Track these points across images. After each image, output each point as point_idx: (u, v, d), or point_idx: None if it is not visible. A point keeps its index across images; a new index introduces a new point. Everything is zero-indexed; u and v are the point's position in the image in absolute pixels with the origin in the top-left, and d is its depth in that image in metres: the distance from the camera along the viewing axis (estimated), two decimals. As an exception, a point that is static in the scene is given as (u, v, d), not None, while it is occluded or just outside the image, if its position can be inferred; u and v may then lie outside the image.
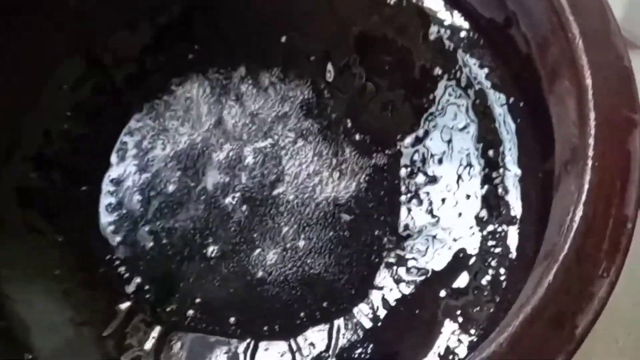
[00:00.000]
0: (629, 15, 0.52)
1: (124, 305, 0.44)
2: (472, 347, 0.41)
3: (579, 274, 0.33)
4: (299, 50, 0.49)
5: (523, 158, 0.44)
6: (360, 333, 0.43)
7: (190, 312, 0.44)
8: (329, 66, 0.48)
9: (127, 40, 0.48)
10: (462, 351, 0.41)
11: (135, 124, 0.47)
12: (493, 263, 0.43)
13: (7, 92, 0.46)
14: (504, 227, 0.43)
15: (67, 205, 0.46)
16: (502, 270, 0.43)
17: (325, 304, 0.44)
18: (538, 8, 0.40)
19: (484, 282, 0.43)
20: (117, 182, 0.46)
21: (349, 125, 0.47)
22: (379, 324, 0.43)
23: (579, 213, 0.34)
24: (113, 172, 0.47)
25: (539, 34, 0.41)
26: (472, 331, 0.41)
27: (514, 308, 0.34)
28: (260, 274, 0.44)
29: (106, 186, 0.46)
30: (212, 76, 0.48)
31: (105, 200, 0.46)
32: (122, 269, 0.45)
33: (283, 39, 0.49)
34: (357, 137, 0.47)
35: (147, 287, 0.44)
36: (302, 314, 0.44)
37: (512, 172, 0.44)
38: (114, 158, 0.47)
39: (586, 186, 0.34)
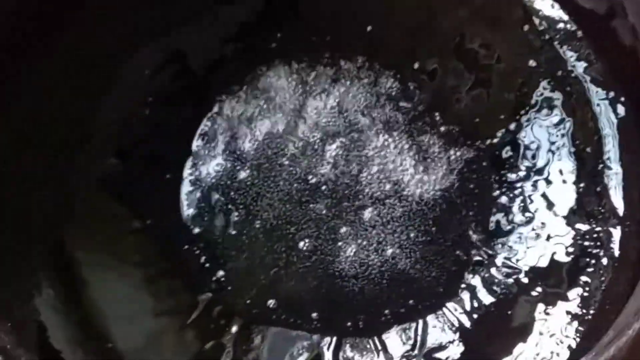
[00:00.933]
0: None
1: (205, 296, 0.42)
2: (572, 350, 0.39)
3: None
4: (384, 40, 0.47)
5: (625, 155, 0.42)
6: (449, 333, 0.41)
7: (271, 305, 0.43)
8: (415, 57, 0.47)
9: (207, 28, 0.47)
10: (563, 354, 0.39)
11: (217, 111, 0.46)
12: (592, 263, 0.41)
13: (87, 77, 0.45)
14: (604, 227, 0.42)
15: (148, 192, 0.45)
16: (601, 272, 0.41)
17: (411, 302, 0.42)
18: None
19: (581, 283, 0.41)
20: (199, 170, 0.45)
21: (437, 117, 0.46)
22: (469, 324, 0.41)
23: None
24: (195, 160, 0.45)
25: (650, 24, 0.39)
26: (571, 334, 0.39)
27: (626, 312, 0.32)
28: (344, 269, 0.43)
29: (188, 174, 0.45)
30: (296, 65, 0.47)
31: (187, 188, 0.45)
32: (202, 259, 0.43)
33: (369, 28, 0.47)
34: (446, 129, 0.45)
35: (228, 278, 0.43)
36: (386, 311, 0.42)
37: (612, 170, 0.42)
38: (195, 145, 0.46)
39: None
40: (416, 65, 0.47)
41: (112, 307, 0.41)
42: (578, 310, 0.40)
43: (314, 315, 0.42)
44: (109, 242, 0.43)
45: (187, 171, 0.45)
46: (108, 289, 0.42)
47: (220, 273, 0.43)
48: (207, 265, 0.43)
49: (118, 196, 0.44)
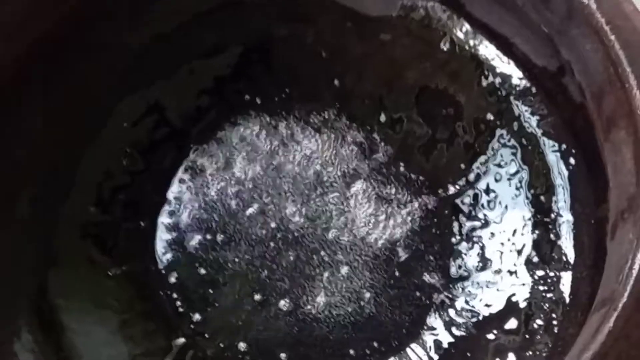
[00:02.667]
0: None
1: (179, 340, 0.44)
2: (526, 391, 0.41)
3: (639, 321, 0.33)
4: (352, 93, 0.50)
5: (575, 204, 0.45)
6: (412, 374, 0.43)
7: (242, 348, 0.45)
8: (382, 109, 0.49)
9: (184, 82, 0.50)
10: (517, 396, 0.41)
11: (192, 161, 0.48)
12: (545, 307, 0.43)
13: (67, 127, 0.47)
14: (557, 272, 0.44)
15: (125, 239, 0.47)
16: (554, 315, 0.43)
17: (375, 343, 0.44)
18: (594, 58, 0.40)
19: (536, 326, 0.43)
20: (174, 217, 0.47)
21: (401, 167, 0.48)
22: (430, 365, 0.43)
23: (638, 261, 0.34)
24: (170, 208, 0.48)
25: (595, 83, 0.41)
26: (525, 376, 0.42)
27: (572, 354, 0.35)
28: (312, 312, 0.45)
29: (163, 221, 0.47)
30: (267, 117, 0.49)
31: (162, 235, 0.47)
32: (177, 303, 0.45)
33: (336, 82, 0.50)
34: (409, 178, 0.48)
35: (201, 322, 0.45)
36: (352, 352, 0.45)
37: (564, 218, 0.45)
38: (171, 194, 0.48)
39: (645, 234, 0.35)
40: (382, 118, 0.49)
41: (91, 351, 0.43)
42: (531, 352, 0.42)
43: (283, 356, 0.44)
44: (87, 288, 0.45)
45: (162, 219, 0.47)
46: (86, 334, 0.44)
47: (195, 317, 0.45)
48: (182, 309, 0.45)
49: (97, 243, 0.46)
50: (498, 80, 0.48)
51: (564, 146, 0.46)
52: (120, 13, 0.48)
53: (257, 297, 0.46)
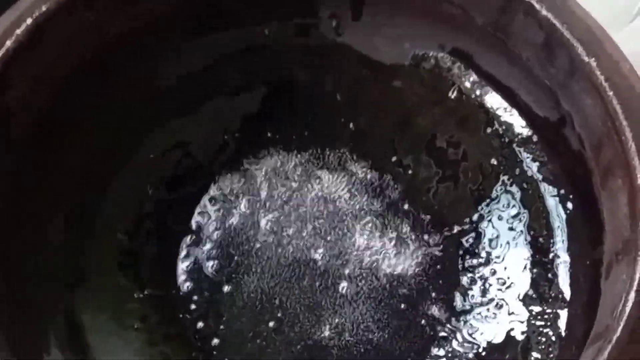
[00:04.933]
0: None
1: (198, 362, 0.47)
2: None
3: (632, 353, 0.36)
4: (366, 135, 0.53)
5: (572, 246, 0.47)
6: (417, 403, 0.46)
7: (256, 373, 0.47)
8: (394, 151, 0.52)
9: (210, 118, 0.53)
10: None
11: (215, 193, 0.51)
12: (542, 341, 0.46)
13: (98, 155, 0.50)
14: (553, 308, 0.47)
15: (149, 265, 0.49)
16: (550, 349, 0.46)
17: (382, 373, 0.47)
18: (593, 111, 0.43)
19: (533, 358, 0.46)
20: (196, 245, 0.50)
21: (410, 206, 0.51)
22: (435, 394, 0.46)
23: (631, 299, 0.37)
24: (193, 237, 0.50)
25: (594, 135, 0.44)
26: (524, 406, 0.44)
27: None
28: (323, 339, 0.48)
29: (185, 249, 0.50)
30: (285, 154, 0.53)
31: (184, 262, 0.50)
32: (197, 326, 0.48)
33: (351, 125, 0.53)
34: (417, 216, 0.51)
35: (219, 346, 0.48)
36: (360, 382, 0.47)
37: (561, 259, 0.48)
38: (194, 223, 0.51)
39: (637, 275, 0.38)
40: (394, 159, 0.52)
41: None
42: (529, 384, 0.45)
43: (294, 384, 0.47)
44: (113, 309, 0.47)
45: (185, 246, 0.50)
46: (111, 353, 0.46)
47: (214, 341, 0.48)
48: (200, 332, 0.48)
49: (123, 267, 0.49)
50: (502, 128, 0.51)
51: (562, 191, 0.49)
52: (152, 52, 0.51)
53: (272, 324, 0.48)
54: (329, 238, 0.50)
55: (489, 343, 0.47)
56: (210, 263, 0.50)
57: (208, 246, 0.50)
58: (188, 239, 0.51)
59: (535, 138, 0.50)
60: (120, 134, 0.51)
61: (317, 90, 0.53)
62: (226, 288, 0.49)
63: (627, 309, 0.37)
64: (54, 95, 0.46)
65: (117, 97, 0.50)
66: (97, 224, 0.49)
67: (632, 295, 0.37)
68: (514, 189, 0.50)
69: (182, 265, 0.50)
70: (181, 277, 0.50)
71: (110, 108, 0.50)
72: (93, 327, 0.47)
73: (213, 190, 0.52)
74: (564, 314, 0.46)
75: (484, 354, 0.47)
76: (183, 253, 0.50)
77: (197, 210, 0.51)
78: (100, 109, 0.49)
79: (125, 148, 0.51)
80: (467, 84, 0.52)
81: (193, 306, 0.49)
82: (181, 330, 0.48)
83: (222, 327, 0.48)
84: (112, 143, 0.50)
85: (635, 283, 0.37)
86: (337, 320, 0.48)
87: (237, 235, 0.51)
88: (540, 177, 0.50)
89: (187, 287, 0.49)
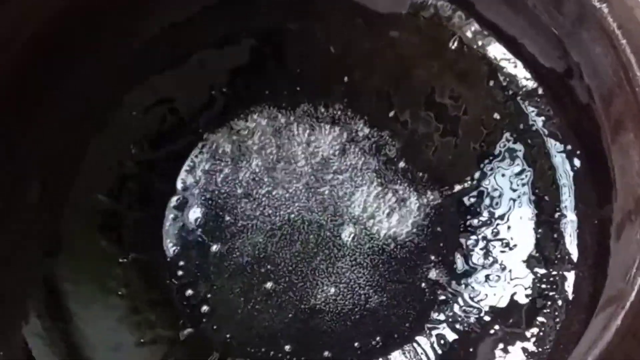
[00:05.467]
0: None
1: (185, 329, 0.45)
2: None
3: (646, 320, 0.34)
4: (361, 89, 0.50)
5: (579, 205, 0.45)
6: (415, 368, 0.44)
7: (247, 338, 0.45)
8: (390, 105, 0.50)
9: (195, 72, 0.50)
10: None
11: (201, 151, 0.49)
12: (548, 304, 0.44)
13: (76, 115, 0.47)
14: (559, 271, 0.45)
15: (133, 228, 0.47)
16: (556, 313, 0.44)
17: (379, 338, 0.45)
18: (604, 61, 0.41)
19: (538, 322, 0.44)
20: (182, 207, 0.48)
21: (407, 163, 0.49)
22: None
23: (646, 261, 0.35)
24: (179, 197, 0.48)
25: (604, 86, 0.42)
26: (529, 371, 0.42)
27: (579, 351, 0.35)
28: (317, 305, 0.46)
29: (171, 211, 0.48)
30: (277, 110, 0.50)
31: (170, 224, 0.47)
32: (184, 293, 0.46)
33: (346, 78, 0.50)
34: (415, 175, 0.48)
35: (207, 312, 0.46)
36: (356, 345, 0.45)
37: (568, 218, 0.45)
38: (179, 184, 0.48)
39: (653, 235, 0.35)
40: (391, 114, 0.50)
41: (97, 338, 0.43)
42: (534, 349, 0.43)
43: (287, 348, 0.45)
44: (95, 274, 0.45)
45: (171, 208, 0.48)
46: (93, 320, 0.44)
47: (203, 308, 0.46)
48: (189, 298, 0.46)
49: (105, 231, 0.46)
50: (505, 80, 0.49)
51: (569, 147, 0.46)
52: (130, 3, 0.48)
53: (264, 289, 0.46)
54: (323, 198, 0.48)
55: (491, 307, 0.45)
56: (198, 225, 0.47)
57: (195, 208, 0.48)
58: (174, 200, 0.48)
59: (540, 91, 0.48)
60: (98, 92, 0.48)
61: (308, 42, 0.50)
62: (215, 252, 0.47)
63: (642, 272, 0.35)
64: (25, 54, 0.43)
65: (94, 52, 0.47)
66: (75, 184, 0.47)
67: (647, 256, 0.35)
68: (518, 145, 0.48)
69: (168, 228, 0.47)
70: (167, 241, 0.47)
71: (88, 62, 0.47)
72: (75, 293, 0.45)
73: (200, 149, 0.49)
74: (570, 276, 0.44)
75: (486, 318, 0.45)
76: (169, 215, 0.48)
77: (184, 169, 0.49)
78: (75, 63, 0.46)
79: (105, 106, 0.48)
80: (469, 34, 0.49)
81: (180, 272, 0.47)
82: (168, 297, 0.46)
83: (211, 293, 0.46)
84: (91, 100, 0.48)
85: (651, 244, 0.35)
86: (332, 284, 0.46)
87: (226, 195, 0.48)
88: (545, 132, 0.47)
89: (174, 251, 0.47)
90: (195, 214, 0.48)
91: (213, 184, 0.48)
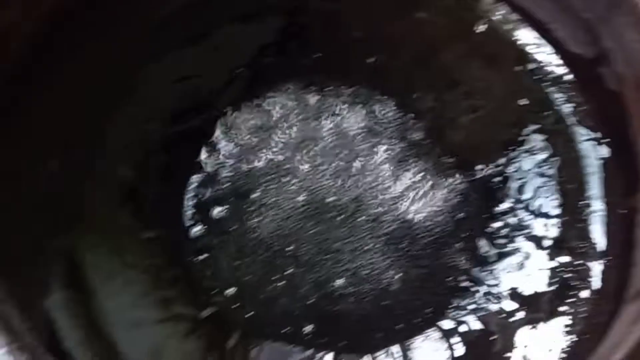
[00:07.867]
0: None
1: (207, 308, 0.44)
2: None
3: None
4: (386, 71, 0.49)
5: (606, 194, 0.45)
6: (437, 355, 0.44)
7: (268, 318, 0.45)
8: (416, 87, 0.49)
9: (218, 48, 0.49)
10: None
11: (225, 129, 0.48)
12: (571, 295, 0.44)
13: (98, 90, 0.47)
14: (584, 260, 0.44)
15: (155, 204, 0.46)
16: (581, 303, 0.43)
17: (402, 323, 0.45)
18: (638, 48, 0.41)
19: (561, 312, 0.43)
20: (205, 184, 0.47)
21: (432, 147, 0.48)
22: (456, 347, 0.44)
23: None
24: (201, 175, 0.47)
25: (636, 73, 0.41)
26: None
27: (610, 343, 0.35)
28: (339, 288, 0.45)
29: (194, 188, 0.47)
30: (302, 90, 0.49)
31: (193, 202, 0.47)
32: (206, 271, 0.45)
33: (371, 59, 0.49)
34: (440, 159, 0.48)
35: (229, 291, 0.45)
36: (376, 329, 0.45)
37: (593, 207, 0.45)
38: (202, 161, 0.48)
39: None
40: (415, 96, 0.49)
41: (118, 313, 0.43)
42: (558, 339, 0.43)
43: (308, 329, 0.44)
44: (115, 248, 0.45)
45: (193, 185, 0.47)
46: (115, 295, 0.44)
47: (223, 286, 0.45)
48: (210, 277, 0.45)
49: (127, 205, 0.46)
50: (534, 65, 0.48)
51: (597, 135, 0.46)
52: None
53: (285, 270, 0.46)
54: (346, 179, 0.47)
55: (514, 295, 0.45)
56: (220, 204, 0.47)
57: (217, 186, 0.47)
58: (196, 177, 0.47)
59: (569, 77, 0.47)
60: (119, 67, 0.48)
61: (333, 22, 0.50)
62: (236, 230, 0.46)
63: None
64: (43, 27, 0.43)
65: (115, 27, 0.47)
66: (97, 155, 0.46)
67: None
68: (545, 132, 0.47)
69: (189, 206, 0.47)
70: (188, 218, 0.46)
71: (109, 36, 0.47)
72: (94, 267, 0.44)
73: (222, 126, 0.48)
74: (595, 266, 0.44)
75: (509, 307, 0.44)
76: (190, 192, 0.47)
77: (206, 146, 0.48)
78: (98, 37, 0.46)
79: (128, 81, 0.48)
80: (497, 17, 0.49)
81: (201, 249, 0.46)
82: (188, 274, 0.45)
83: (232, 272, 0.46)
84: (113, 74, 0.47)
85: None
86: (354, 268, 0.46)
87: (248, 174, 0.47)
88: (573, 119, 0.47)
89: (195, 228, 0.46)
90: (216, 193, 0.47)
91: (235, 162, 0.48)
